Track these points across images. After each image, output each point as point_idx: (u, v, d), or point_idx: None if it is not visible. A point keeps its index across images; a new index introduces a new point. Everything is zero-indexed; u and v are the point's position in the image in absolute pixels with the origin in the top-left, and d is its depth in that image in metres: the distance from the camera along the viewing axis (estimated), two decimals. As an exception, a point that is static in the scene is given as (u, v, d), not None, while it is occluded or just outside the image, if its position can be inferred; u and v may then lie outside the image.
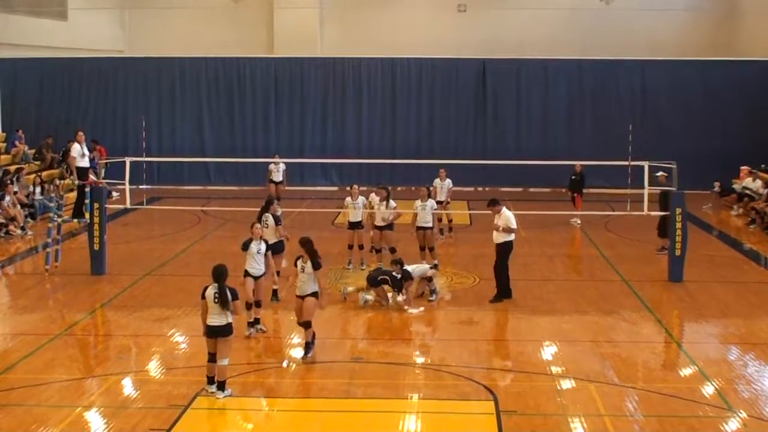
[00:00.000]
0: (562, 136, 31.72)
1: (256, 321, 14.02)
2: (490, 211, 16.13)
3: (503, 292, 16.02)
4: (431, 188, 20.15)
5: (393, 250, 17.96)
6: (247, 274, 13.90)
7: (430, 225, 18.58)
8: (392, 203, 18.35)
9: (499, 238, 15.83)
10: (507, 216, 15.74)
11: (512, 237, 15.84)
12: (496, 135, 32.10)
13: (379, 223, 18.31)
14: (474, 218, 24.21)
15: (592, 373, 12.23)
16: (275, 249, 15.09)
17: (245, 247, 13.95)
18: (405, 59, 32.51)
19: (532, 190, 30.93)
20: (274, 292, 15.80)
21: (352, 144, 32.35)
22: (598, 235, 22.83)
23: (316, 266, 12.62)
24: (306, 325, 12.74)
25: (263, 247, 14.03)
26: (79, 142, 21.26)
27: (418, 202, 18.54)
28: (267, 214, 15.98)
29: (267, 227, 15.74)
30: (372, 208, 18.50)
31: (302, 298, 12.75)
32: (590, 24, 32.99)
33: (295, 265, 12.88)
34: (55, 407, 10.86)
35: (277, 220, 15.98)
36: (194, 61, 32.65)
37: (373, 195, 18.82)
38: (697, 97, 31.40)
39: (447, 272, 18.60)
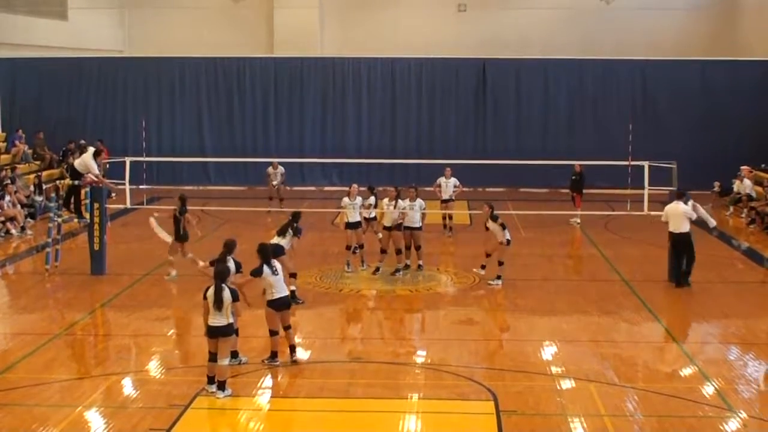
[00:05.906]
0: (562, 136, 31.69)
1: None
2: None
3: (683, 277, 17.03)
4: (433, 188, 20.06)
5: (399, 252, 17.97)
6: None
7: (418, 225, 18.28)
8: (400, 203, 18.10)
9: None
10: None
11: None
12: (496, 135, 32.07)
13: (387, 223, 18.25)
14: (474, 218, 24.19)
15: (592, 373, 12.22)
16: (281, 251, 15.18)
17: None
18: (405, 59, 32.49)
19: (532, 190, 30.92)
20: (292, 294, 15.05)
21: (352, 144, 32.33)
22: (598, 235, 22.81)
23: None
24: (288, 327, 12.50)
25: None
26: (94, 156, 18.75)
27: (406, 202, 18.26)
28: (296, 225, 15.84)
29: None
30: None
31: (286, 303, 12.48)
32: (590, 24, 33.06)
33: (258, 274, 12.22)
34: (55, 407, 10.85)
35: (298, 232, 15.78)
36: (194, 61, 32.64)
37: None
38: (697, 97, 31.37)
39: (447, 272, 18.60)
